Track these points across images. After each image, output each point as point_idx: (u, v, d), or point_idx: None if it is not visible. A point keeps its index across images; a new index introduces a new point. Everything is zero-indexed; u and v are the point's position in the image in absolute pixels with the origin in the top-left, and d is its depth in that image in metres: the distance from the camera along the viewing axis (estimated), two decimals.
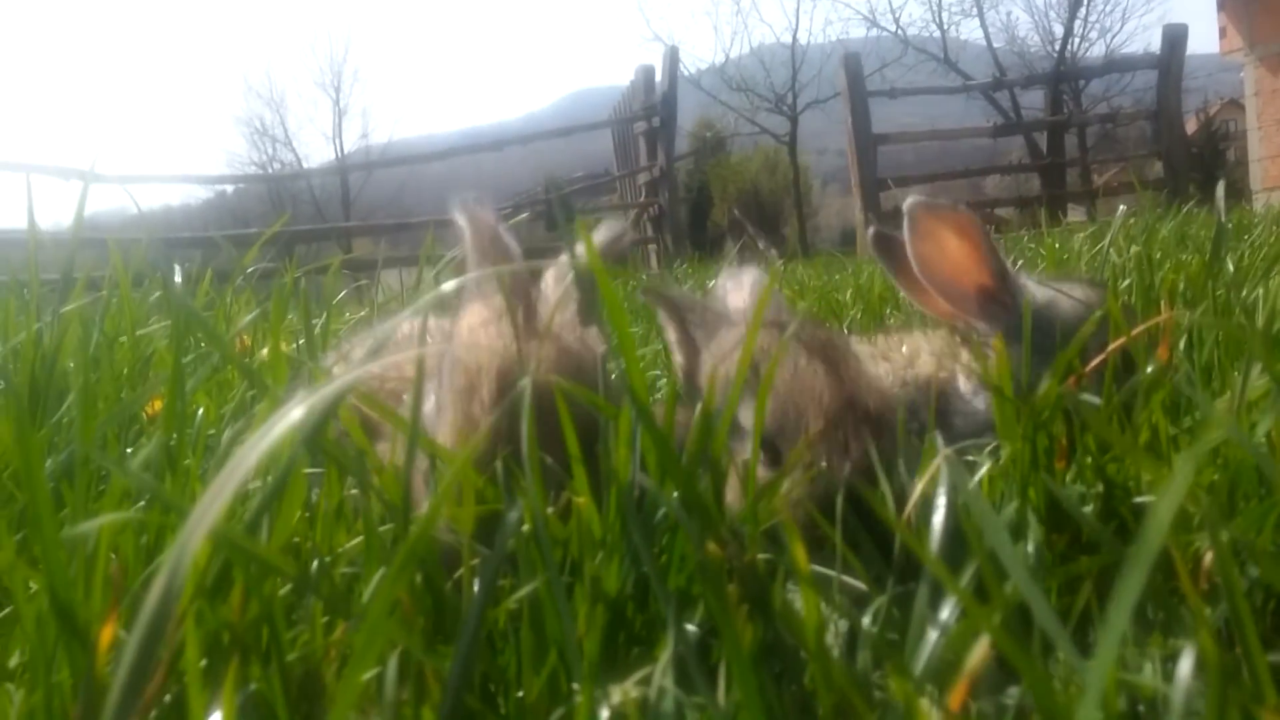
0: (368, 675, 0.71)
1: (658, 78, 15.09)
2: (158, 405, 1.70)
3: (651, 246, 16.11)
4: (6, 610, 0.86)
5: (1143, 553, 0.44)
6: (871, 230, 1.88)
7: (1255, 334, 1.13)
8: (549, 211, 20.40)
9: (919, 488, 0.86)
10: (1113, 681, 0.57)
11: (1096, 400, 1.05)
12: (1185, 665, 0.54)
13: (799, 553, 0.63)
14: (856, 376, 1.13)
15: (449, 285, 1.05)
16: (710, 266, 9.23)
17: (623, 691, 0.64)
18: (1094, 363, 1.20)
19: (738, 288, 1.60)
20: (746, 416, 1.14)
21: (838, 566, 0.84)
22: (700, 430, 0.83)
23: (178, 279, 2.48)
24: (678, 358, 1.49)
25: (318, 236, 17.32)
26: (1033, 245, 6.07)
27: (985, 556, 0.65)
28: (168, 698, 0.61)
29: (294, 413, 0.57)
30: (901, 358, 1.67)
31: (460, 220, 1.37)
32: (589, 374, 1.12)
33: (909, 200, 1.67)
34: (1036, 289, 1.72)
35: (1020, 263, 3.40)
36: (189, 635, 0.57)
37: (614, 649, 0.83)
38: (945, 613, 0.80)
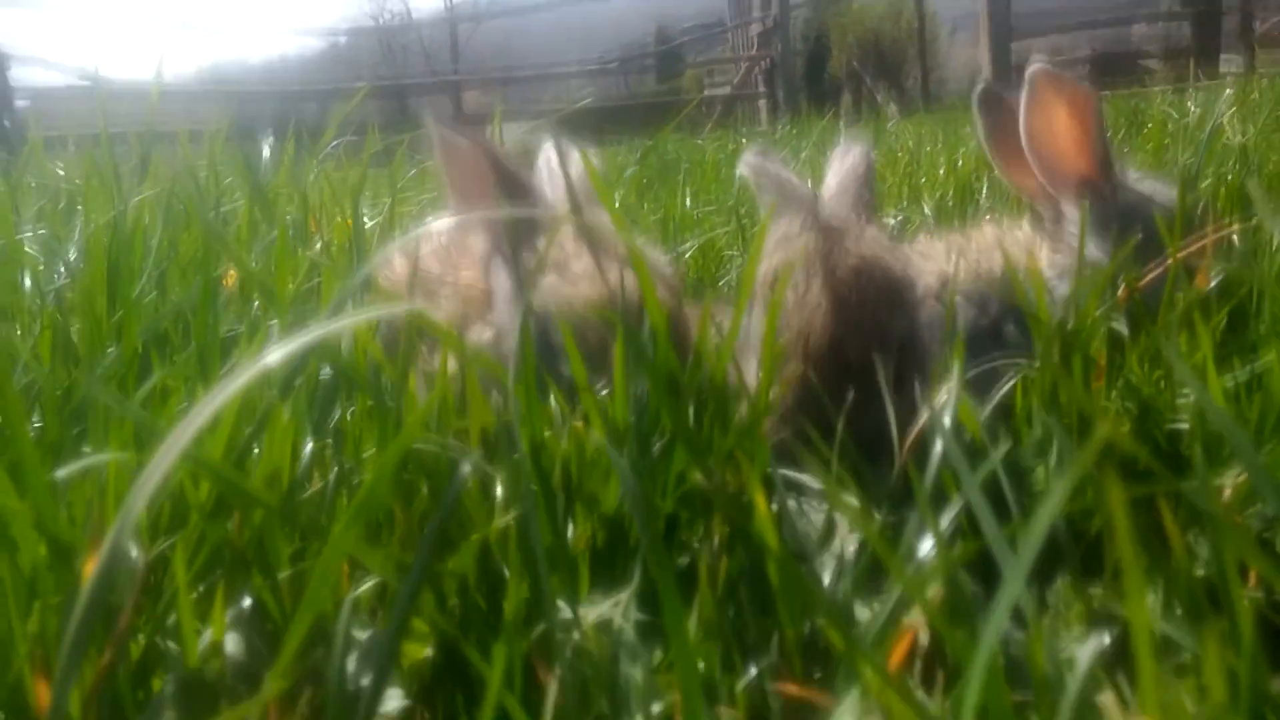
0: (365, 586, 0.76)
1: None
2: (231, 279, 1.79)
3: (762, 101, 15.65)
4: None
5: (1033, 532, 0.44)
6: (980, 87, 1.78)
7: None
8: (658, 64, 19.92)
9: (920, 421, 0.85)
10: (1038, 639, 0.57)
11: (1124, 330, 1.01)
12: (1088, 649, 0.54)
13: (760, 501, 0.64)
14: (875, 297, 1.11)
15: (441, 224, 1.06)
16: (818, 123, 8.90)
17: (585, 623, 0.67)
18: (1149, 276, 1.14)
19: (839, 169, 1.45)
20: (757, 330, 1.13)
21: (829, 496, 0.84)
22: (696, 359, 0.84)
23: (265, 152, 2.53)
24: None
25: (428, 90, 17.33)
26: (1168, 109, 5.69)
27: (935, 526, 0.65)
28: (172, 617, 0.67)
29: (270, 358, 0.60)
30: (976, 250, 1.61)
31: (439, 151, 1.27)
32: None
33: (1032, 66, 1.58)
34: (1137, 183, 1.63)
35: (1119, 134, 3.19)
36: (178, 556, 0.63)
37: (612, 566, 0.87)
38: (928, 547, 0.81)
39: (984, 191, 2.88)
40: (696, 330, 0.93)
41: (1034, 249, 1.56)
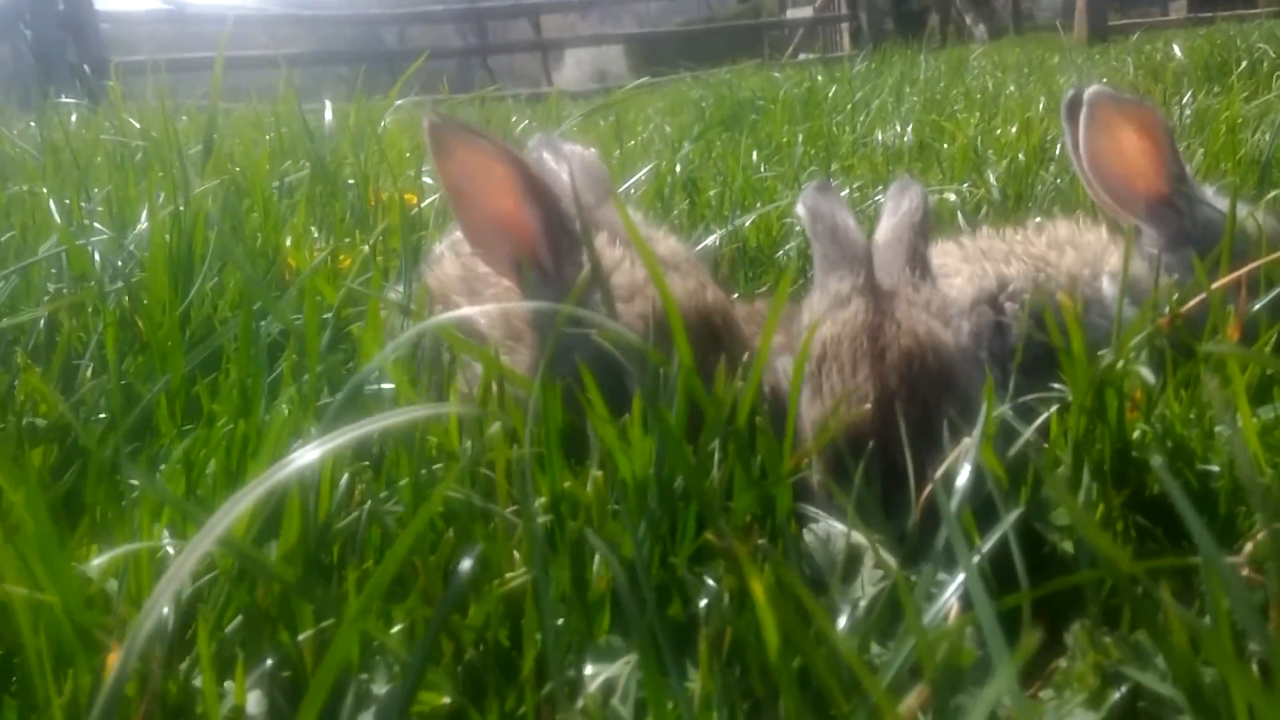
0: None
1: None
2: (294, 261, 1.83)
3: (844, 24, 15.18)
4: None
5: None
6: (1070, 94, 1.73)
7: None
8: None
9: (930, 485, 0.85)
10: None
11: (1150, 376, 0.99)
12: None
13: (756, 587, 0.66)
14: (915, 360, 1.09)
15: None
16: (900, 53, 8.61)
17: (586, 696, 0.70)
18: (1188, 304, 1.11)
19: (894, 210, 1.38)
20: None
21: (845, 547, 0.85)
22: (713, 417, 0.85)
23: (328, 115, 2.57)
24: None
25: (507, 14, 17.18)
26: (1264, 45, 5.40)
27: (919, 629, 0.66)
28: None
29: (304, 458, 0.63)
30: (1042, 253, 1.56)
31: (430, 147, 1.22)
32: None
33: (1091, 89, 1.53)
34: (1216, 200, 1.56)
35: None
36: (200, 627, 0.67)
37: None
38: (947, 596, 0.81)
39: (1057, 152, 2.78)
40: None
41: (1103, 255, 1.52)
